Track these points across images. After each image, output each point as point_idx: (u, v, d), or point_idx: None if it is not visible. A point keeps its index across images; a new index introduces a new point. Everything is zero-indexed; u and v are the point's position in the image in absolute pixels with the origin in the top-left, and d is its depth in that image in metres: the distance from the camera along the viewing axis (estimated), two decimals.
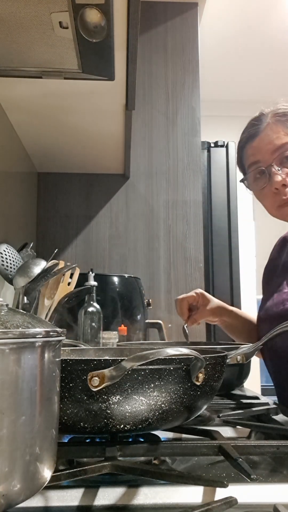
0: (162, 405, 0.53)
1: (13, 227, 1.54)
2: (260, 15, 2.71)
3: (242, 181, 1.14)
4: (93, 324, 1.29)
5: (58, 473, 0.46)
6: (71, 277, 1.28)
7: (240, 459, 0.49)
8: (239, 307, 2.23)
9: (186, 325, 1.21)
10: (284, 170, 1.01)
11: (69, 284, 1.27)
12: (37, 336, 0.39)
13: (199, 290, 1.22)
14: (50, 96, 1.21)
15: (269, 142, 1.04)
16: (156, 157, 2.04)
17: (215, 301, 1.22)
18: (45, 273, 1.13)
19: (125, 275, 1.61)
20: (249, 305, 2.31)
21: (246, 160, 1.11)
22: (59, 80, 1.07)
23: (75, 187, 1.99)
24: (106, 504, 0.45)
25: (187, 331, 1.20)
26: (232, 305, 2.22)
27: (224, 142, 2.32)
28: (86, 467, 0.47)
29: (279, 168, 1.01)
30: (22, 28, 0.86)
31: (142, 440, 0.59)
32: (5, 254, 1.15)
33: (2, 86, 1.15)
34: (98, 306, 1.31)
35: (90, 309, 1.30)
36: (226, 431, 0.72)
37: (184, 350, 0.53)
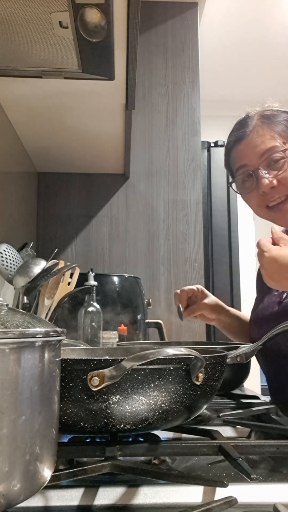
0: (162, 405, 0.53)
1: (13, 227, 1.54)
2: (260, 14, 2.71)
3: (230, 184, 1.15)
4: (93, 324, 1.29)
5: (58, 473, 0.46)
6: (71, 277, 1.28)
7: (240, 459, 0.49)
8: (239, 307, 2.23)
9: (182, 310, 1.20)
10: (272, 172, 1.02)
11: (69, 284, 1.27)
12: (37, 336, 0.39)
13: (200, 286, 1.22)
14: (50, 96, 1.21)
15: (255, 146, 1.04)
16: (156, 157, 2.04)
17: (213, 298, 1.23)
18: (45, 273, 1.13)
19: (125, 275, 1.61)
20: (249, 305, 2.30)
21: (233, 164, 1.11)
22: (59, 80, 1.07)
23: (75, 187, 2.00)
24: (106, 504, 0.45)
25: (181, 310, 1.20)
26: (232, 305, 2.23)
27: (224, 142, 2.32)
28: (86, 467, 0.47)
29: (266, 172, 1.02)
30: (22, 28, 0.86)
31: (142, 440, 0.59)
32: (5, 254, 1.15)
33: (2, 86, 1.15)
34: (98, 306, 1.31)
35: (90, 309, 1.30)
36: (226, 431, 0.72)
37: (184, 350, 0.53)
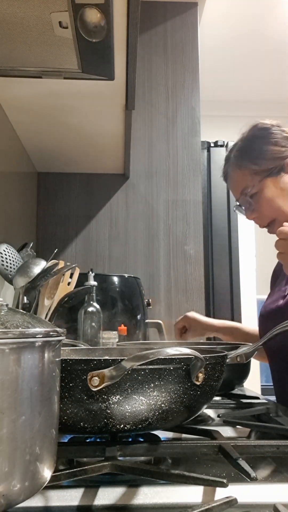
0: (162, 405, 0.53)
1: (13, 227, 1.54)
2: (260, 15, 2.71)
3: (235, 209, 1.27)
4: (93, 324, 1.29)
5: (58, 473, 0.46)
6: (71, 277, 1.28)
7: (240, 459, 0.49)
8: (239, 307, 2.23)
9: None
10: (249, 207, 1.15)
11: (69, 284, 1.26)
12: (37, 336, 0.39)
13: (190, 314, 1.33)
14: (50, 96, 1.21)
15: (233, 189, 1.20)
16: (156, 157, 2.04)
17: (201, 325, 1.32)
18: (45, 273, 1.13)
19: (125, 275, 1.60)
20: (249, 305, 2.31)
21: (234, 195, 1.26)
22: (59, 80, 1.07)
23: (75, 187, 1.99)
24: (106, 504, 0.45)
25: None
26: (232, 305, 2.23)
27: (224, 142, 2.32)
28: (86, 467, 0.47)
29: (245, 206, 1.16)
30: (22, 28, 0.86)
31: (142, 440, 0.59)
32: (5, 254, 1.15)
33: (2, 86, 1.15)
34: (98, 306, 1.31)
35: (90, 309, 1.30)
36: (226, 431, 0.72)
37: (184, 350, 0.53)
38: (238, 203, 1.21)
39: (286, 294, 1.11)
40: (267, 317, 1.14)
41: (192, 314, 1.33)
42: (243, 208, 1.18)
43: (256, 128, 1.15)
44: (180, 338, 1.33)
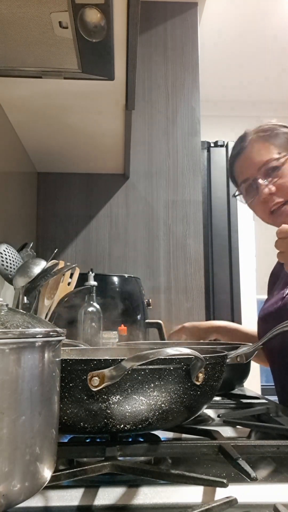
0: (162, 405, 0.53)
1: (13, 227, 1.54)
2: (260, 14, 2.71)
3: (234, 196, 1.23)
4: (93, 324, 1.29)
5: (58, 473, 0.46)
6: (71, 277, 1.27)
7: (240, 459, 0.49)
8: (239, 307, 2.23)
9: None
10: (269, 180, 1.10)
11: (69, 284, 1.26)
12: (37, 336, 0.39)
13: (187, 324, 1.33)
14: (50, 96, 1.21)
15: (253, 159, 1.14)
16: (156, 157, 2.04)
17: (201, 329, 1.31)
18: (45, 273, 1.13)
19: (125, 275, 1.60)
20: (249, 305, 2.31)
21: (237, 177, 1.21)
22: (59, 80, 1.07)
23: (75, 187, 1.99)
24: (106, 504, 0.45)
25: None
26: (232, 305, 2.23)
27: (224, 142, 2.32)
28: (86, 467, 0.47)
29: (265, 180, 1.11)
30: (22, 28, 0.86)
31: (142, 440, 0.59)
32: (5, 254, 1.15)
33: (2, 86, 1.15)
34: (98, 306, 1.31)
35: (90, 309, 1.30)
36: (226, 431, 0.72)
37: (184, 350, 0.53)
38: (237, 193, 1.19)
39: (285, 296, 1.11)
40: (266, 319, 1.14)
41: (190, 323, 1.34)
42: (260, 184, 1.11)
43: (279, 124, 1.16)
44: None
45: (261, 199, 1.11)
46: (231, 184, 2.06)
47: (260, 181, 1.11)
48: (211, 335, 1.32)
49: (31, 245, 1.32)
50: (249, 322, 2.10)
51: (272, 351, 1.13)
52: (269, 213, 1.13)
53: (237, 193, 1.22)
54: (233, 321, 2.08)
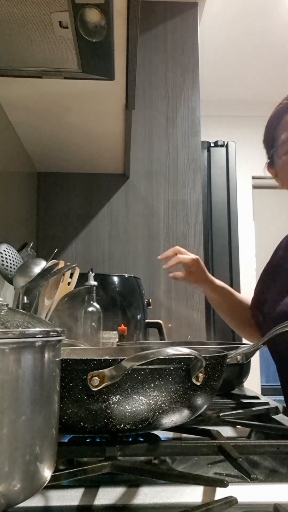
0: (162, 405, 0.53)
1: (13, 227, 1.54)
2: (260, 14, 2.70)
3: (270, 155, 1.14)
4: (93, 324, 1.29)
5: (58, 473, 0.46)
6: (71, 277, 1.27)
7: (240, 459, 0.49)
8: None
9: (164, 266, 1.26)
10: None
11: (69, 284, 1.26)
12: (37, 336, 0.39)
13: (197, 258, 1.25)
14: (50, 96, 1.21)
15: None
16: (156, 157, 2.04)
17: (205, 276, 1.25)
18: (45, 273, 1.13)
19: (125, 275, 1.60)
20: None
21: (282, 131, 1.10)
22: (59, 80, 1.07)
23: (75, 187, 1.99)
24: (106, 504, 0.45)
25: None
26: None
27: (224, 142, 2.32)
28: (86, 467, 0.47)
29: None
30: (22, 28, 0.86)
31: (142, 440, 0.59)
32: (5, 254, 1.15)
33: (2, 86, 1.15)
34: (98, 306, 1.31)
35: (90, 309, 1.30)
36: (226, 431, 0.72)
37: (184, 350, 0.53)
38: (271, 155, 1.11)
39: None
40: (279, 319, 1.10)
41: (202, 262, 1.27)
42: None
43: None
44: (185, 274, 1.25)
45: None
46: (231, 184, 2.04)
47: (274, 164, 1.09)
48: (206, 287, 1.28)
49: (31, 245, 1.32)
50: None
51: (278, 352, 1.11)
52: None
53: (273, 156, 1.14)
54: None
